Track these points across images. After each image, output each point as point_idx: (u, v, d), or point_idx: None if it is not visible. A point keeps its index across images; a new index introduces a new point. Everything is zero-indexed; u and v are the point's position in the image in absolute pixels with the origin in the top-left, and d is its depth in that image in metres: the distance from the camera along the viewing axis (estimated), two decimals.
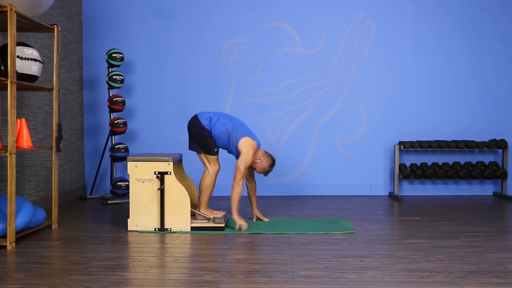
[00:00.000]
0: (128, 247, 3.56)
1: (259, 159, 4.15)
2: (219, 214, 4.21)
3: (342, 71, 6.10)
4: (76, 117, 5.89)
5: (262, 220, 4.40)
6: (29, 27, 4.05)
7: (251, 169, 4.32)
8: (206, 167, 4.16)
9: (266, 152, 4.20)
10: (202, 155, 4.16)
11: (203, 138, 4.08)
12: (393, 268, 2.97)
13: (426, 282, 2.71)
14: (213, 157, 4.12)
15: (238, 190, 4.03)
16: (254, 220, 4.41)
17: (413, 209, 5.08)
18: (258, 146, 4.17)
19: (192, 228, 4.04)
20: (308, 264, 3.05)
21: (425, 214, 4.82)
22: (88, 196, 5.83)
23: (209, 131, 4.09)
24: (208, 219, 4.08)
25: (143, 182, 4.02)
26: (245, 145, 4.05)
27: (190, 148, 4.18)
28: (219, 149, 4.19)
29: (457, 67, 6.09)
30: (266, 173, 4.21)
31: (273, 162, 4.21)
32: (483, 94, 6.10)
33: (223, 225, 4.05)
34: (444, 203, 5.47)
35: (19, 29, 4.03)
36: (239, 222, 4.03)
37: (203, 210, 4.17)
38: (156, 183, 4.01)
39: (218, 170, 4.21)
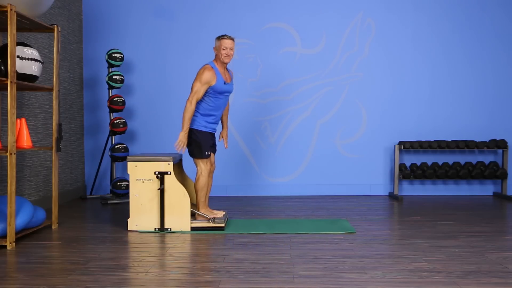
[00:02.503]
0: (128, 247, 3.56)
1: (219, 52, 4.03)
2: (219, 214, 4.21)
3: (342, 71, 6.10)
4: (76, 117, 5.89)
5: (223, 143, 4.33)
6: (29, 27, 4.05)
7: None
8: (199, 167, 4.12)
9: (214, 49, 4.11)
10: (195, 158, 4.15)
11: (193, 142, 4.07)
12: (393, 268, 2.97)
13: (426, 282, 2.71)
14: (205, 159, 4.11)
15: (188, 108, 3.96)
16: (220, 140, 4.41)
17: (413, 209, 5.08)
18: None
19: (192, 228, 4.04)
20: (308, 264, 3.05)
21: (425, 214, 4.82)
22: (88, 196, 5.83)
23: (197, 129, 4.07)
24: (208, 219, 4.08)
25: (143, 182, 4.02)
26: (197, 74, 4.04)
27: (190, 154, 4.17)
28: (211, 152, 4.18)
29: (457, 67, 6.09)
30: (227, 36, 4.07)
31: (219, 36, 4.09)
32: (483, 94, 6.10)
33: (223, 225, 4.05)
34: (444, 203, 5.46)
35: (19, 29, 4.03)
36: (183, 139, 3.98)
37: (203, 210, 4.17)
38: (156, 183, 4.01)
39: (212, 169, 4.21)
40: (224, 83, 4.09)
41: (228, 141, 4.38)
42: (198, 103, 4.08)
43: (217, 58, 4.10)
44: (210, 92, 4.04)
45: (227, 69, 4.22)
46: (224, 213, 4.25)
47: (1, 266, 3.06)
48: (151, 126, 6.12)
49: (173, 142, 6.04)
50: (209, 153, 4.10)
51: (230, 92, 4.19)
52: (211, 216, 4.09)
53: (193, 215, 4.13)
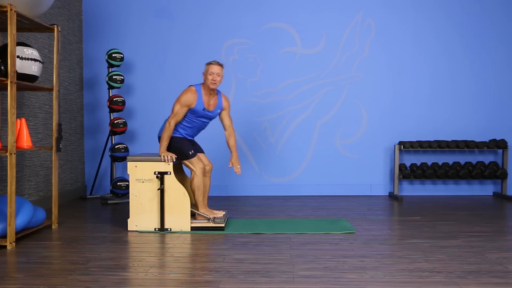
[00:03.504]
0: (128, 247, 3.56)
1: (206, 77, 4.06)
2: (219, 213, 4.21)
3: (342, 71, 6.10)
4: (76, 117, 5.89)
5: (234, 169, 4.28)
6: (29, 27, 4.05)
7: (227, 120, 4.30)
8: (191, 169, 4.12)
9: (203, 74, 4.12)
10: (183, 161, 4.17)
11: (174, 147, 4.13)
12: (393, 268, 2.97)
13: (426, 282, 2.71)
14: (193, 159, 4.11)
15: (167, 128, 4.04)
16: (229, 166, 4.30)
17: (413, 209, 5.08)
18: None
19: (192, 228, 4.04)
20: (308, 264, 3.05)
21: (425, 214, 4.82)
22: (88, 196, 5.83)
23: (175, 136, 4.15)
24: (208, 219, 4.08)
25: (143, 182, 4.02)
26: (179, 95, 4.10)
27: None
28: (196, 151, 4.18)
29: (457, 67, 6.09)
30: (215, 62, 4.11)
31: (208, 62, 4.13)
32: (483, 94, 6.10)
33: (223, 225, 4.05)
34: (444, 203, 5.46)
35: (19, 29, 4.03)
36: (164, 154, 4.02)
37: (203, 210, 4.17)
38: (156, 183, 4.01)
39: (205, 168, 4.20)
40: (204, 109, 4.10)
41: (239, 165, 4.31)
42: (180, 127, 4.18)
43: (204, 82, 4.13)
44: (187, 113, 4.11)
45: (218, 95, 4.23)
46: (224, 213, 4.25)
47: (1, 266, 3.06)
48: (151, 126, 6.12)
49: None
50: (193, 152, 4.11)
51: (209, 118, 4.22)
52: (211, 216, 4.09)
53: (193, 215, 4.13)
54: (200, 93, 4.09)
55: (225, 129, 4.34)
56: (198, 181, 4.11)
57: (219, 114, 4.28)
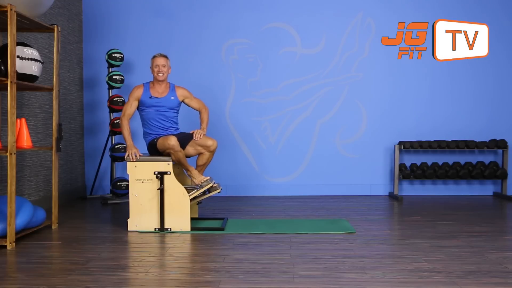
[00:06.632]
0: (128, 247, 3.56)
1: (152, 70, 4.26)
2: (206, 178, 4.24)
3: (342, 71, 6.10)
4: (76, 117, 5.89)
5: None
6: (29, 27, 4.05)
7: (195, 104, 4.47)
8: (168, 152, 4.06)
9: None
10: (167, 151, 4.14)
11: (153, 149, 4.23)
12: (393, 268, 2.97)
13: (426, 282, 2.71)
14: (159, 142, 4.11)
15: (121, 125, 4.27)
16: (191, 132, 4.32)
17: (413, 209, 5.08)
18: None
19: (193, 226, 4.04)
20: (308, 264, 3.05)
21: (425, 214, 4.82)
22: (88, 196, 5.83)
23: (152, 141, 4.25)
24: (196, 186, 4.16)
25: (142, 182, 4.02)
26: None
27: (155, 155, 4.24)
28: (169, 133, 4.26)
29: (457, 67, 6.08)
30: (159, 54, 4.29)
31: (152, 57, 4.31)
32: (483, 94, 6.09)
33: (211, 184, 4.13)
34: (444, 203, 5.46)
35: (19, 29, 4.02)
36: (128, 151, 4.10)
37: (188, 171, 4.22)
38: (156, 183, 4.01)
39: (210, 149, 4.20)
40: (150, 97, 4.25)
41: (201, 134, 4.30)
42: (145, 127, 4.36)
43: (153, 77, 4.32)
44: (139, 106, 4.30)
45: (171, 85, 4.37)
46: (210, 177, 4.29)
47: (1, 266, 3.06)
48: None
49: None
50: (157, 137, 4.21)
51: (161, 106, 4.27)
52: (198, 183, 4.15)
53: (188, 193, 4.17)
54: (147, 85, 4.29)
55: (199, 111, 4.50)
56: (175, 156, 4.04)
57: (184, 103, 4.43)
